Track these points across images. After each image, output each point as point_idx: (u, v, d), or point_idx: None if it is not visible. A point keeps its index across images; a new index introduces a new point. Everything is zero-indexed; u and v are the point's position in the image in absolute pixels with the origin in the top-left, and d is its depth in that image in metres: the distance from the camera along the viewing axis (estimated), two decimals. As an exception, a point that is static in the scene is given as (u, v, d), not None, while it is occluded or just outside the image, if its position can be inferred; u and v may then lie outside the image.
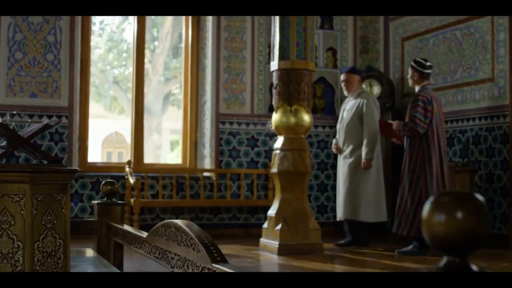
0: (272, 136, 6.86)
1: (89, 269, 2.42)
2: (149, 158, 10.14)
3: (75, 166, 6.47)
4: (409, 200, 5.30)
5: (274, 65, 5.52)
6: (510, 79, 5.72)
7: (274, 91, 5.59)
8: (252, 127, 7.12)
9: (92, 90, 9.00)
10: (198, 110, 7.25)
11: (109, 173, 6.63)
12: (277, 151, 5.50)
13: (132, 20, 7.41)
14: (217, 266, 1.37)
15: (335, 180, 6.68)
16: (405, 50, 7.12)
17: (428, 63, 5.49)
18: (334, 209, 6.74)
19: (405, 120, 5.51)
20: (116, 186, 2.73)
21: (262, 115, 7.14)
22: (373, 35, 7.49)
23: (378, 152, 5.93)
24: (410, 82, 5.58)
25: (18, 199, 1.72)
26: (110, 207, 2.69)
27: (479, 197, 0.74)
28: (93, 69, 9.60)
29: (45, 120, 5.56)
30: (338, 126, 6.18)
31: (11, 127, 4.52)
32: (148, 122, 10.44)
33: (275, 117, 5.51)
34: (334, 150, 6.19)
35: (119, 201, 2.75)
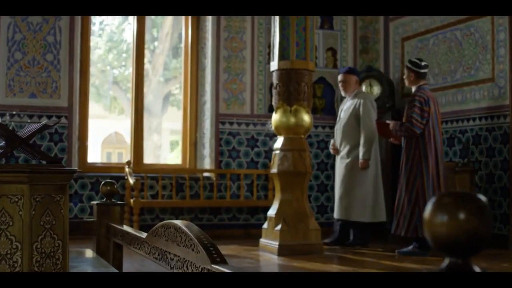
0: (272, 136, 6.85)
1: (88, 269, 2.41)
2: (149, 158, 10.13)
3: (75, 166, 6.46)
4: (406, 201, 5.29)
5: (274, 65, 5.51)
6: (510, 79, 5.71)
7: (274, 91, 5.59)
8: (252, 127, 7.12)
9: (92, 90, 8.99)
10: (198, 110, 7.24)
11: (108, 174, 6.63)
12: (277, 151, 5.49)
13: (131, 21, 7.40)
14: (217, 267, 1.36)
15: (335, 180, 6.67)
16: (405, 50, 7.11)
17: (423, 63, 5.47)
18: (334, 210, 6.73)
19: (402, 120, 5.51)
20: (115, 186, 2.72)
21: (262, 115, 7.13)
22: (373, 35, 7.49)
23: (376, 152, 5.92)
24: (406, 82, 5.58)
25: (16, 199, 1.71)
26: (110, 208, 2.68)
27: (482, 197, 0.73)
28: (93, 70, 9.59)
29: (45, 121, 5.55)
30: (335, 126, 6.17)
31: (10, 127, 4.49)
32: (148, 123, 10.44)
33: (275, 117, 5.50)
34: (331, 151, 6.19)
35: (119, 202, 2.74)
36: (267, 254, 5.30)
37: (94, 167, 6.87)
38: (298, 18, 5.37)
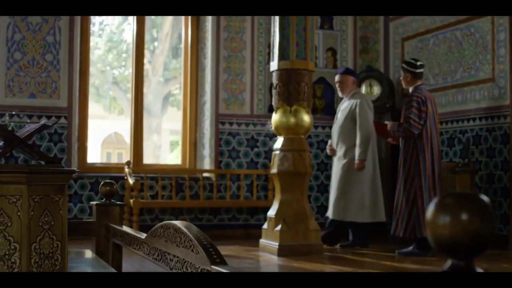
0: (272, 137, 6.84)
1: (87, 270, 2.40)
2: (148, 158, 10.13)
3: (74, 166, 6.45)
4: (404, 201, 5.28)
5: (274, 65, 5.50)
6: (511, 79, 5.71)
7: (274, 91, 5.58)
8: (251, 128, 7.11)
9: (91, 90, 8.99)
10: (197, 111, 7.23)
11: (108, 174, 6.62)
12: (277, 152, 5.48)
13: (131, 21, 7.40)
14: (216, 268, 1.35)
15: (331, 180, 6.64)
16: (405, 50, 7.10)
17: (419, 63, 5.46)
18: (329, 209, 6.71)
19: (400, 121, 5.50)
20: (115, 187, 2.72)
21: (262, 116, 7.12)
22: (373, 35, 7.48)
23: (374, 152, 5.90)
24: (403, 83, 5.56)
25: (14, 200, 1.70)
26: (109, 208, 2.67)
27: (484, 198, 0.72)
28: (92, 70, 9.58)
29: (43, 121, 5.54)
30: (332, 127, 6.15)
31: (9, 128, 4.48)
32: (147, 123, 10.43)
33: (275, 117, 5.49)
34: (328, 152, 6.17)
35: (118, 202, 2.73)
36: (267, 254, 5.29)
37: (93, 167, 6.86)
38: (298, 18, 5.36)
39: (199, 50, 7.25)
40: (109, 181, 2.74)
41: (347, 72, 6.06)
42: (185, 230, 1.56)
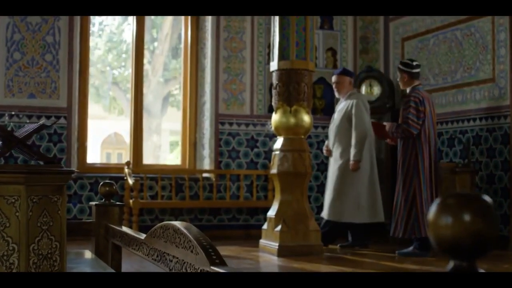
0: (272, 137, 6.83)
1: (86, 271, 2.39)
2: (148, 159, 10.12)
3: (74, 167, 6.45)
4: (403, 202, 5.27)
5: (273, 65, 5.49)
6: (511, 79, 5.70)
7: (273, 92, 5.57)
8: (251, 128, 7.10)
9: (91, 91, 8.98)
10: (197, 111, 7.23)
11: (108, 174, 6.61)
12: (277, 152, 5.47)
13: (131, 21, 7.39)
14: (216, 268, 1.34)
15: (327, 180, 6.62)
16: (405, 50, 7.10)
17: (415, 63, 5.45)
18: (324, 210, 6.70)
19: (398, 121, 5.49)
20: (114, 187, 2.71)
21: (261, 116, 7.12)
22: (373, 35, 7.47)
23: (371, 152, 5.88)
24: (400, 84, 5.55)
25: (13, 200, 1.69)
26: (108, 209, 2.66)
27: (487, 198, 0.71)
28: (92, 70, 9.58)
29: (42, 121, 5.53)
30: (329, 127, 6.13)
31: (9, 128, 4.48)
32: (147, 123, 10.43)
33: (275, 117, 5.48)
34: (324, 152, 6.15)
35: (117, 203, 2.72)
36: (267, 255, 5.28)
37: (93, 167, 6.85)
38: (298, 18, 5.35)
39: (199, 50, 7.24)
40: (109, 181, 2.73)
41: (344, 72, 6.04)
42: (185, 230, 1.55)
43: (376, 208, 5.78)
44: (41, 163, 1.87)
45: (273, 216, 5.38)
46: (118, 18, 11.28)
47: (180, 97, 7.53)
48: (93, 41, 10.13)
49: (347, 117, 5.82)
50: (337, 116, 5.96)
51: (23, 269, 1.68)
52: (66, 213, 1.83)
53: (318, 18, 7.31)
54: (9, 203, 1.69)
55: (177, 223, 1.64)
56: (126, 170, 6.40)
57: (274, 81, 5.53)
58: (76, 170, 1.90)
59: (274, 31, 5.50)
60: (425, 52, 6.79)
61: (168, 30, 10.71)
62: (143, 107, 7.19)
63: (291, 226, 5.30)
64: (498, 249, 5.37)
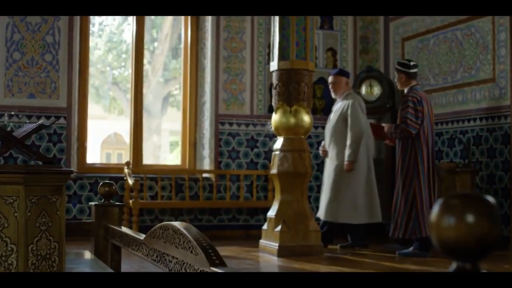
0: (272, 137, 6.83)
1: (86, 271, 2.38)
2: (148, 159, 10.11)
3: (74, 167, 6.44)
4: (402, 202, 5.26)
5: (273, 65, 5.48)
6: (511, 79, 5.69)
7: (273, 92, 5.56)
8: (251, 128, 7.09)
9: (91, 91, 8.97)
10: (197, 111, 7.22)
11: (108, 174, 6.60)
12: (277, 152, 5.46)
13: (131, 21, 7.38)
14: (216, 269, 1.33)
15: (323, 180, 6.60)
16: (405, 51, 7.09)
17: (412, 63, 5.44)
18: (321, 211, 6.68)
19: (397, 121, 5.48)
20: (113, 187, 2.70)
21: (261, 116, 7.11)
22: (373, 35, 7.46)
23: (368, 153, 5.86)
24: (398, 85, 5.55)
25: (11, 201, 1.68)
26: (108, 209, 2.65)
27: (490, 198, 0.70)
28: (92, 70, 9.56)
29: (42, 121, 5.51)
30: (325, 127, 6.11)
31: (9, 128, 4.46)
32: (147, 123, 10.42)
33: (275, 117, 5.47)
34: (320, 153, 6.13)
35: (117, 203, 2.71)
36: (267, 255, 5.27)
37: (93, 167, 6.84)
38: (298, 18, 5.35)
39: (199, 50, 7.23)
40: (108, 181, 2.72)
41: (340, 73, 6.03)
42: (184, 231, 1.54)
43: (373, 209, 5.77)
44: (40, 163, 1.86)
45: (273, 216, 5.37)
46: (118, 18, 11.27)
47: (180, 97, 7.52)
48: (93, 41, 10.12)
49: (343, 117, 5.81)
50: (333, 116, 5.95)
51: (22, 270, 1.67)
52: (65, 214, 1.82)
53: (318, 18, 7.30)
54: (8, 203, 1.68)
55: (176, 224, 1.63)
56: (126, 170, 6.39)
57: (274, 81, 5.52)
58: (75, 170, 1.89)
59: (274, 31, 5.49)
60: (425, 52, 6.78)
61: (168, 30, 10.70)
62: (143, 107, 7.18)
63: (291, 226, 5.29)
64: (499, 249, 5.35)
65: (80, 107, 6.68)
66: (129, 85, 7.29)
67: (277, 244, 5.21)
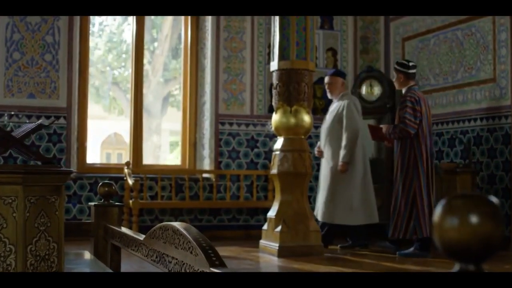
0: (272, 137, 6.82)
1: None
2: (148, 159, 10.10)
3: (74, 167, 6.43)
4: (403, 202, 5.25)
5: (274, 65, 5.47)
6: (512, 79, 5.68)
7: (274, 92, 5.55)
8: (251, 128, 7.08)
9: (91, 91, 8.96)
10: (197, 111, 7.21)
11: (107, 174, 6.59)
12: (277, 152, 5.45)
13: (131, 21, 7.37)
14: (216, 270, 1.32)
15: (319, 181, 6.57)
16: (405, 51, 7.08)
17: (411, 63, 5.44)
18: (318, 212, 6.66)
19: (395, 122, 5.46)
20: (113, 187, 2.69)
21: (262, 116, 7.10)
22: (374, 35, 7.45)
23: (364, 154, 5.84)
24: (396, 85, 5.53)
25: (10, 201, 1.67)
26: (107, 209, 2.64)
27: (494, 199, 0.69)
28: (92, 70, 9.55)
29: (41, 120, 5.51)
30: (321, 128, 6.09)
31: (8, 128, 4.45)
32: (147, 123, 10.41)
33: (275, 117, 5.46)
34: (316, 153, 6.12)
35: (116, 203, 2.70)
36: (267, 255, 5.26)
37: (93, 167, 6.83)
38: (298, 18, 5.34)
39: (199, 50, 7.23)
40: (108, 181, 2.71)
41: (336, 74, 6.02)
42: (184, 231, 1.53)
43: (370, 210, 5.75)
44: (39, 163, 1.85)
45: (273, 217, 5.36)
46: (118, 18, 11.26)
47: (180, 97, 7.52)
48: (93, 41, 10.11)
49: (338, 118, 5.80)
50: (328, 117, 5.94)
51: (20, 271, 1.66)
52: (64, 214, 1.81)
53: (318, 18, 7.29)
54: (6, 203, 1.67)
55: (176, 224, 1.62)
56: (126, 170, 6.39)
57: (274, 81, 5.51)
58: (74, 171, 1.87)
59: (274, 31, 5.48)
60: (425, 52, 6.77)
61: (168, 30, 10.69)
62: (143, 107, 7.18)
63: (291, 227, 5.28)
64: (499, 249, 5.34)
65: (80, 107, 6.68)
66: (129, 85, 7.28)
67: (277, 245, 5.20)
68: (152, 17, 9.22)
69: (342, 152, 5.68)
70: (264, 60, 7.12)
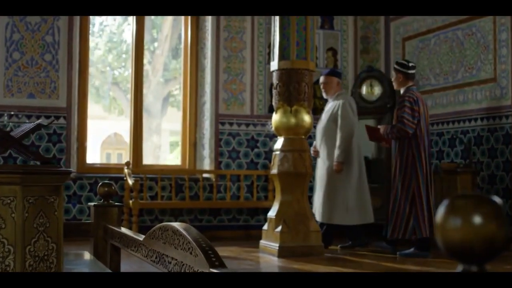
0: (272, 137, 6.81)
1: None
2: (148, 159, 10.10)
3: (74, 167, 6.42)
4: (402, 202, 5.24)
5: (274, 65, 5.46)
6: (513, 79, 5.67)
7: (274, 91, 5.54)
8: (252, 128, 7.07)
9: (91, 91, 8.96)
10: (197, 111, 7.20)
11: (107, 174, 6.58)
12: (277, 152, 5.44)
13: (131, 21, 7.36)
14: (215, 271, 1.31)
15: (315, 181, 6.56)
16: (406, 50, 7.07)
17: (411, 64, 5.43)
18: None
19: (393, 122, 5.46)
20: (113, 187, 2.68)
21: (262, 116, 7.09)
22: (374, 35, 7.45)
23: (360, 154, 5.82)
24: (395, 85, 5.53)
25: (8, 201, 1.66)
26: (107, 209, 2.63)
27: (497, 199, 0.68)
28: (92, 70, 9.54)
29: (40, 120, 5.49)
30: (317, 127, 6.08)
31: (8, 128, 4.44)
32: (147, 123, 10.40)
33: (275, 117, 5.45)
34: (312, 153, 6.11)
35: (116, 203, 2.69)
36: (267, 255, 5.25)
37: (93, 168, 6.83)
38: (299, 18, 5.33)
39: (199, 50, 7.22)
40: (108, 182, 2.70)
41: (331, 73, 6.01)
42: (184, 232, 1.52)
43: (365, 210, 5.74)
44: (38, 163, 1.84)
45: (274, 217, 5.36)
46: (118, 18, 11.25)
47: (180, 97, 7.51)
48: (93, 41, 10.11)
49: (333, 118, 5.79)
50: (324, 116, 5.93)
51: (19, 271, 1.65)
52: (63, 214, 1.80)
53: (318, 18, 7.29)
54: (5, 204, 1.66)
55: (176, 224, 1.61)
56: (126, 171, 6.38)
57: (275, 81, 5.50)
58: (73, 171, 1.86)
59: (274, 31, 5.47)
60: (426, 52, 6.76)
61: (168, 30, 10.69)
62: (143, 107, 7.17)
63: (292, 227, 5.27)
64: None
65: (80, 107, 6.67)
66: (129, 85, 7.28)
67: (277, 245, 5.19)
68: (152, 17, 9.22)
69: (336, 152, 5.67)
70: (264, 60, 7.11)
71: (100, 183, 2.68)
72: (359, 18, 7.46)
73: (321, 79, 6.02)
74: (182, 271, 1.51)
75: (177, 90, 10.51)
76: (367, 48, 7.47)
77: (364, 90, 7.04)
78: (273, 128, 5.67)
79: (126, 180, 6.32)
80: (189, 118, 7.20)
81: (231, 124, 7.00)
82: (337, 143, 5.68)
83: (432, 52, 6.68)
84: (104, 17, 10.83)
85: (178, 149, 8.42)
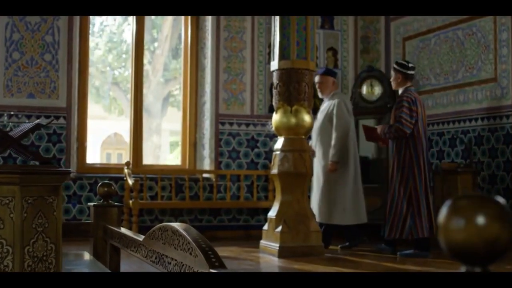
0: (272, 137, 6.80)
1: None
2: (148, 159, 10.09)
3: (74, 167, 6.42)
4: (399, 202, 5.23)
5: (274, 64, 5.45)
6: (513, 79, 5.66)
7: (274, 91, 5.53)
8: (252, 128, 7.06)
9: (91, 91, 8.95)
10: (197, 111, 7.19)
11: (107, 175, 6.57)
12: (277, 152, 5.44)
13: (131, 21, 7.36)
14: (215, 271, 1.30)
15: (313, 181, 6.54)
16: (406, 50, 7.06)
17: (410, 64, 5.43)
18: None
19: (390, 122, 5.45)
20: (113, 187, 2.67)
21: (262, 116, 7.08)
22: (374, 35, 7.44)
23: (355, 154, 5.81)
24: (393, 85, 5.52)
25: (7, 201, 1.65)
26: (107, 209, 2.63)
27: (501, 199, 0.67)
28: (93, 70, 9.53)
29: (39, 120, 5.48)
30: (313, 128, 6.07)
31: (8, 128, 4.44)
32: (147, 123, 10.40)
33: (275, 117, 5.45)
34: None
35: (116, 203, 2.69)
36: (267, 256, 5.24)
37: (93, 168, 6.82)
38: (299, 18, 5.32)
39: (199, 50, 7.21)
40: (107, 182, 2.69)
41: (327, 73, 5.99)
42: (184, 232, 1.51)
43: (359, 210, 5.74)
44: (37, 163, 1.83)
45: (274, 217, 5.35)
46: (118, 18, 11.25)
47: (180, 97, 7.50)
48: (93, 41, 10.10)
49: (329, 117, 5.78)
50: (320, 116, 5.93)
51: (18, 272, 1.64)
52: (62, 214, 1.79)
53: (318, 18, 7.28)
54: (3, 204, 1.65)
55: (176, 225, 1.60)
56: (126, 171, 6.37)
57: (275, 80, 5.50)
58: (72, 171, 1.85)
59: (274, 31, 5.46)
60: (426, 52, 6.75)
61: (168, 30, 10.68)
62: (143, 107, 7.16)
63: (292, 227, 5.26)
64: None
65: (80, 107, 6.66)
66: (129, 85, 7.27)
67: (277, 245, 5.19)
68: (152, 17, 9.21)
69: (331, 152, 5.66)
70: (264, 60, 7.11)
71: (100, 183, 2.68)
72: (359, 18, 7.46)
73: (316, 78, 6.00)
74: (182, 271, 1.50)
75: (177, 90, 10.51)
76: (367, 48, 7.46)
77: (364, 90, 7.03)
78: (273, 128, 5.66)
79: (126, 180, 6.31)
80: (189, 118, 7.20)
81: (231, 124, 6.99)
82: (332, 142, 5.68)
83: (433, 52, 6.67)
84: (104, 17, 10.83)
85: (178, 149, 8.42)
